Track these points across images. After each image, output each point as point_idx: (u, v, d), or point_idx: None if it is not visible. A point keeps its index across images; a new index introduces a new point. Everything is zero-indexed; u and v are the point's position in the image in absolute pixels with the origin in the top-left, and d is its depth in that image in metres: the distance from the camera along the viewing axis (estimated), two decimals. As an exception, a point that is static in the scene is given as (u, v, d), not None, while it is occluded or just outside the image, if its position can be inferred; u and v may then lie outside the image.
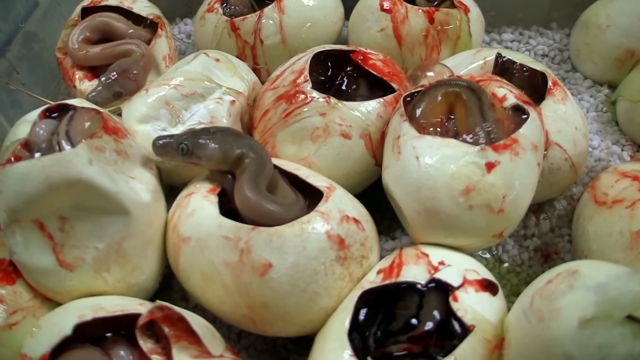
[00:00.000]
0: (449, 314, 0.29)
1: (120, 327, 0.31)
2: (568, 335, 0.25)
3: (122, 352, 0.30)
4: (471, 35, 0.47)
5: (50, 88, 0.50)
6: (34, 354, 0.29)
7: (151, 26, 0.48)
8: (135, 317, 0.29)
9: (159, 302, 0.29)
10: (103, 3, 0.48)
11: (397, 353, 0.29)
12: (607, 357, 0.25)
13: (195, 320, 0.29)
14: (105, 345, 0.30)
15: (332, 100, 0.37)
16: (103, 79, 0.42)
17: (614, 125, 0.49)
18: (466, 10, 0.47)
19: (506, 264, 0.40)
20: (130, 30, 0.47)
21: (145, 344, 0.29)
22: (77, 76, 0.46)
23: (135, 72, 0.43)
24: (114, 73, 0.42)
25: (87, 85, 0.45)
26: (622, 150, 0.46)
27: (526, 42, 0.55)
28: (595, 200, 0.38)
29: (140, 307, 0.30)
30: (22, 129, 0.39)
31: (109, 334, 0.31)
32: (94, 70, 0.46)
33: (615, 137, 0.48)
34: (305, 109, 0.38)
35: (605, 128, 0.48)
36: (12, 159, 0.32)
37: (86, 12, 0.48)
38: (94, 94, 0.41)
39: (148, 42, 0.46)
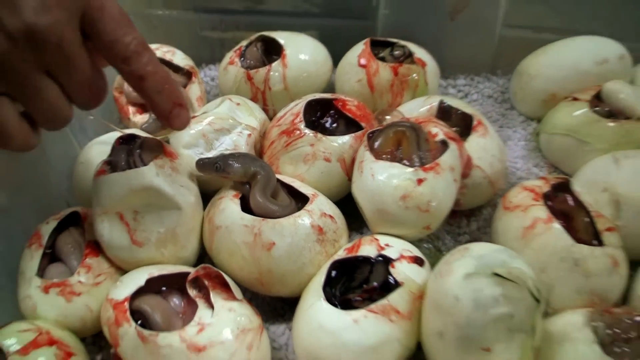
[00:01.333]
0: (388, 276, 0.49)
1: (174, 284, 0.50)
2: (456, 284, 0.44)
3: (175, 300, 0.49)
4: (427, 84, 0.67)
5: (110, 119, 0.70)
6: (119, 297, 0.47)
7: (186, 74, 0.68)
8: (185, 275, 0.48)
9: (203, 264, 0.48)
10: (150, 55, 0.68)
11: (354, 299, 0.48)
12: (478, 297, 0.43)
13: (225, 276, 0.48)
14: (164, 295, 0.49)
15: (319, 135, 0.57)
16: (150, 118, 0.62)
17: (538, 152, 0.68)
18: (423, 64, 0.67)
19: (444, 253, 0.59)
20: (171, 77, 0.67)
21: (192, 292, 0.48)
22: (130, 111, 0.65)
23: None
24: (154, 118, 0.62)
25: (138, 118, 0.65)
26: (540, 171, 0.66)
27: (475, 86, 0.75)
28: (504, 206, 0.57)
29: (186, 271, 0.49)
30: (94, 149, 0.59)
31: (164, 288, 0.50)
32: (143, 107, 0.66)
33: (537, 161, 0.67)
34: (299, 141, 0.57)
35: (529, 154, 0.68)
36: (102, 171, 0.51)
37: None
38: (146, 125, 0.60)
39: (184, 86, 0.66)
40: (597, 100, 0.65)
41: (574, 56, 0.69)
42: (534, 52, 0.72)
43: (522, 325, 0.44)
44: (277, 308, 0.55)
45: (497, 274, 0.43)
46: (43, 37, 0.38)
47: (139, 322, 0.46)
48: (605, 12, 0.72)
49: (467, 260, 0.45)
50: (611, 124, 0.62)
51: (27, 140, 0.42)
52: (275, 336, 0.53)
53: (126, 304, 0.46)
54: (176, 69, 0.67)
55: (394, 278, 0.48)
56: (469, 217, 0.62)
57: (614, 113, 0.64)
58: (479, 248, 0.46)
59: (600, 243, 0.52)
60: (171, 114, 0.46)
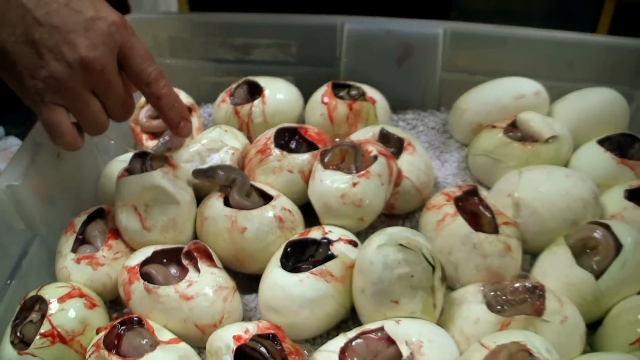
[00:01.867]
0: (329, 252, 0.68)
1: (172, 257, 0.69)
2: (371, 252, 0.63)
3: (173, 269, 0.69)
4: (377, 117, 0.88)
5: (127, 144, 0.91)
6: (131, 264, 0.67)
7: (188, 110, 0.89)
8: (180, 249, 0.68)
9: (194, 240, 0.68)
10: (160, 95, 0.90)
11: (302, 267, 0.67)
12: (385, 260, 0.62)
13: (209, 249, 0.68)
14: (164, 265, 0.69)
15: (284, 153, 0.78)
16: (161, 139, 0.82)
17: (467, 171, 0.88)
18: (373, 102, 0.87)
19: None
20: (176, 112, 0.88)
21: (185, 262, 0.68)
22: (144, 138, 0.87)
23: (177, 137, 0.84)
24: (167, 137, 0.83)
25: (150, 143, 0.86)
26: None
27: (422, 120, 0.96)
28: (426, 207, 0.76)
29: (181, 246, 0.69)
30: (114, 165, 0.80)
31: (165, 260, 0.70)
32: (154, 135, 0.87)
33: (465, 177, 0.87)
34: (270, 158, 0.78)
35: (460, 172, 0.88)
36: (123, 175, 0.72)
37: (150, 100, 0.90)
38: (156, 147, 0.81)
39: (186, 118, 0.87)
40: (513, 127, 0.85)
41: (497, 93, 0.90)
42: (467, 91, 0.92)
43: (421, 283, 0.63)
44: (249, 283, 0.74)
45: (401, 244, 0.63)
46: (92, 65, 0.60)
47: (146, 281, 0.66)
48: (528, 57, 0.93)
49: (380, 236, 0.64)
50: (521, 146, 0.83)
51: (75, 141, 0.64)
52: (247, 302, 0.72)
53: (137, 268, 0.67)
54: (180, 105, 0.89)
55: (332, 253, 0.68)
56: (404, 220, 0.81)
57: (525, 137, 0.84)
58: (391, 229, 0.66)
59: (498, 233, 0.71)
60: (179, 125, 0.70)
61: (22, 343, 0.62)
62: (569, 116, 0.89)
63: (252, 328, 0.60)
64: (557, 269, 0.70)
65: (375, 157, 0.74)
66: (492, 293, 0.66)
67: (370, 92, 0.89)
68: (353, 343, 0.62)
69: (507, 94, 0.89)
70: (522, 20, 0.96)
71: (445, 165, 0.90)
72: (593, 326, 0.67)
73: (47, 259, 0.73)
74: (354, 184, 0.71)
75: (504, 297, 0.65)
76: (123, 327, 0.62)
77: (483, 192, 0.76)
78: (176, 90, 0.87)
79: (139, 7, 1.36)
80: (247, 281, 0.74)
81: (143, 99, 0.89)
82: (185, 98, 0.90)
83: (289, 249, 0.70)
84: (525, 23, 0.96)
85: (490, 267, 0.70)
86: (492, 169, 0.84)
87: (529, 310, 0.63)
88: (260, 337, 0.59)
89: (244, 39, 0.94)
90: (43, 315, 0.63)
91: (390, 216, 0.80)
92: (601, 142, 0.84)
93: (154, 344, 0.61)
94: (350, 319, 0.69)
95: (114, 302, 0.73)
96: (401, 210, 0.81)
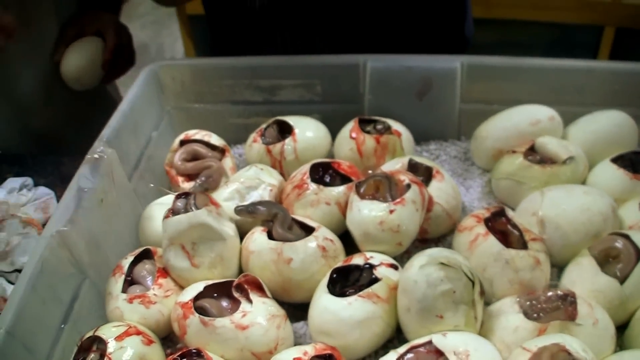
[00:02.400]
0: (372, 276, 0.74)
1: (223, 291, 0.75)
2: (414, 272, 0.69)
3: (224, 302, 0.75)
4: (403, 149, 0.94)
5: (164, 187, 0.97)
6: (185, 299, 0.73)
7: (221, 151, 0.96)
8: (230, 283, 0.74)
9: (244, 273, 0.74)
10: (192, 137, 0.97)
11: (349, 292, 0.73)
12: (429, 279, 0.68)
13: (259, 280, 0.74)
14: (216, 299, 0.75)
15: (320, 187, 0.84)
16: (198, 181, 0.89)
17: (491, 194, 0.95)
18: (399, 135, 0.94)
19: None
20: (210, 154, 0.95)
21: (237, 294, 0.73)
22: (180, 180, 0.93)
23: (213, 178, 0.90)
24: (203, 178, 0.89)
25: (186, 185, 0.92)
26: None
27: (444, 149, 1.03)
28: (458, 230, 0.83)
29: (231, 280, 0.75)
30: (154, 208, 0.87)
31: (215, 295, 0.75)
32: (189, 177, 0.94)
33: (490, 201, 0.93)
34: (307, 192, 0.85)
35: (484, 196, 0.94)
36: (167, 216, 0.78)
37: (182, 142, 0.97)
38: (193, 189, 0.87)
39: (220, 160, 0.94)
40: (531, 151, 0.92)
41: (514, 120, 0.97)
42: (486, 120, 0.99)
43: (462, 298, 0.69)
44: (296, 312, 0.80)
45: (442, 263, 0.69)
46: None
47: (200, 314, 0.72)
48: (540, 85, 1.00)
49: (421, 257, 0.70)
50: (540, 168, 0.89)
51: None
52: (296, 329, 0.77)
53: (191, 303, 0.72)
54: (213, 147, 0.96)
55: (375, 276, 0.74)
56: (437, 243, 0.87)
57: (544, 160, 0.91)
58: (430, 250, 0.72)
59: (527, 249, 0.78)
60: None
61: None
62: (583, 138, 0.96)
63: (310, 350, 0.66)
64: (584, 278, 0.76)
65: (409, 186, 0.80)
66: (528, 303, 0.71)
67: (395, 125, 0.96)
68: (405, 358, 0.67)
69: (524, 121, 0.96)
70: (525, 50, 1.04)
71: (470, 190, 0.96)
72: (621, 329, 0.73)
73: (96, 302, 0.78)
74: (391, 212, 0.78)
75: (538, 306, 0.71)
76: (184, 359, 0.68)
77: (510, 213, 0.83)
78: (208, 133, 0.96)
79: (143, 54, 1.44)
80: (293, 310, 0.79)
81: (176, 143, 0.96)
82: (217, 140, 0.97)
83: (334, 276, 0.75)
84: (528, 53, 1.04)
85: (522, 281, 0.76)
86: (515, 190, 0.91)
87: (562, 316, 0.69)
88: (318, 358, 0.65)
89: (270, 80, 1.02)
90: (102, 355, 0.67)
91: (423, 241, 0.86)
92: (614, 160, 0.91)
93: (216, 372, 0.66)
94: (395, 337, 0.75)
95: (166, 339, 0.78)
96: (433, 235, 0.87)
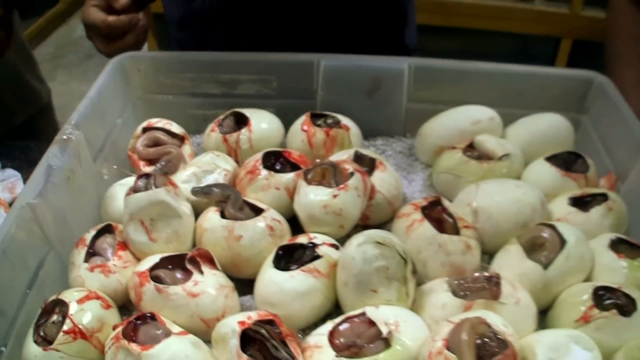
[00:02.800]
0: (314, 254, 0.83)
1: (177, 264, 0.83)
2: (352, 249, 0.77)
3: (177, 274, 0.83)
4: (351, 142, 1.03)
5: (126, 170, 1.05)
6: (142, 269, 0.81)
7: (181, 139, 1.04)
8: (184, 256, 0.82)
9: (197, 247, 0.82)
10: (154, 125, 1.05)
11: (292, 267, 0.82)
12: (365, 255, 0.76)
13: (211, 253, 0.82)
14: (170, 270, 0.83)
15: (271, 173, 0.93)
16: (158, 165, 0.97)
17: (432, 188, 1.04)
18: (347, 129, 1.03)
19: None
20: (170, 141, 1.03)
21: (190, 266, 0.82)
22: (141, 164, 1.01)
23: (172, 163, 0.99)
24: (163, 162, 0.97)
25: (147, 169, 0.99)
26: (431, 200, 1.01)
27: (390, 145, 1.12)
28: (396, 216, 0.92)
29: (185, 253, 0.83)
30: (116, 188, 0.95)
31: (170, 267, 0.83)
32: (150, 161, 1.01)
33: (430, 193, 1.02)
34: (259, 178, 0.93)
35: (426, 189, 1.04)
36: (130, 193, 0.86)
37: (145, 130, 1.04)
38: (154, 172, 0.95)
39: (180, 147, 1.02)
40: (470, 148, 1.02)
41: (456, 119, 1.07)
42: (430, 119, 1.09)
43: (395, 275, 0.77)
44: (244, 288, 0.87)
45: (377, 242, 0.78)
46: None
47: (156, 283, 0.80)
48: (483, 88, 1.10)
49: (359, 236, 0.79)
50: (478, 163, 0.99)
51: None
52: (243, 302, 0.85)
53: (147, 272, 0.80)
54: (174, 135, 1.04)
55: (317, 254, 0.83)
56: (379, 229, 0.96)
57: (482, 156, 1.01)
58: (368, 231, 0.80)
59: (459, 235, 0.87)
60: None
61: (45, 341, 0.74)
62: (521, 138, 1.06)
63: (253, 315, 0.74)
64: (510, 263, 0.85)
65: (352, 174, 0.89)
66: (456, 282, 0.80)
67: (344, 120, 1.05)
68: (340, 327, 0.76)
69: (465, 120, 1.06)
70: (484, 59, 1.13)
71: (412, 183, 1.06)
72: (545, 312, 0.83)
73: (60, 272, 0.85)
74: (335, 196, 0.87)
75: (465, 285, 0.80)
76: (139, 321, 0.75)
77: (445, 202, 0.92)
78: (169, 122, 1.04)
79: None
80: (241, 286, 0.87)
81: (139, 130, 1.04)
82: (177, 129, 1.05)
83: (280, 252, 0.84)
84: (487, 61, 1.14)
85: (453, 264, 0.85)
86: (453, 184, 1.00)
87: (487, 295, 0.77)
88: (261, 322, 0.73)
89: (229, 75, 1.10)
90: (64, 316, 0.75)
91: (365, 227, 0.94)
92: (548, 159, 1.01)
93: (168, 333, 0.74)
94: (334, 312, 0.83)
95: (122, 308, 0.85)
96: (375, 221, 0.96)
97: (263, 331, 0.72)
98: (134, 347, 0.70)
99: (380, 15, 1.27)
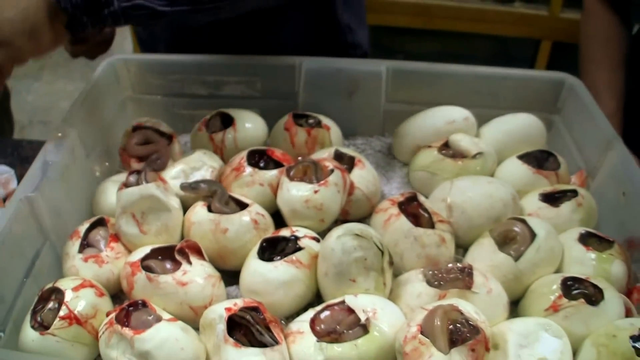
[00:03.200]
0: (297, 246, 0.89)
1: (167, 255, 0.89)
2: (332, 241, 0.84)
3: (168, 264, 0.88)
4: (331, 142, 1.10)
5: (116, 167, 1.11)
6: (133, 259, 0.87)
7: (169, 137, 1.10)
8: (174, 247, 0.88)
9: (186, 238, 0.88)
10: (144, 124, 1.10)
11: (276, 258, 0.88)
12: (344, 247, 0.82)
13: (199, 244, 0.88)
14: (160, 261, 0.88)
15: (255, 170, 0.99)
16: (147, 164, 1.02)
17: (409, 185, 1.11)
18: (328, 129, 1.10)
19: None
20: (159, 139, 1.09)
21: (179, 257, 0.87)
22: (131, 161, 1.07)
23: (161, 160, 1.04)
24: (153, 159, 1.03)
25: (137, 166, 1.05)
26: (408, 196, 1.08)
27: (369, 144, 1.19)
28: (375, 211, 0.98)
29: (174, 245, 0.89)
30: (108, 184, 1.00)
31: (160, 257, 0.89)
32: (140, 159, 1.07)
33: (407, 190, 1.09)
34: (243, 174, 0.99)
35: (403, 186, 1.10)
36: (122, 187, 0.92)
37: (135, 128, 1.10)
38: (143, 169, 1.01)
39: (169, 145, 1.08)
40: (445, 147, 1.09)
41: (432, 120, 1.14)
42: (407, 119, 1.15)
43: (373, 265, 0.83)
44: (230, 279, 0.93)
45: (356, 234, 0.84)
46: None
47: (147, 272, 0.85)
48: (458, 89, 1.17)
49: (339, 229, 0.85)
50: (452, 161, 1.06)
51: None
52: (230, 292, 0.91)
53: (138, 263, 0.86)
54: (162, 134, 1.10)
55: (299, 246, 0.89)
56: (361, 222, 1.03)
57: (456, 154, 1.07)
58: (347, 224, 0.87)
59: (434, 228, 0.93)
60: None
61: (41, 327, 0.80)
62: (494, 137, 1.13)
63: (239, 302, 0.80)
64: (483, 255, 0.92)
65: (332, 170, 0.96)
66: (431, 273, 0.87)
67: (325, 120, 1.12)
68: (320, 314, 0.82)
69: (441, 120, 1.13)
70: (464, 61, 1.20)
71: (391, 181, 1.12)
72: (517, 302, 0.89)
73: (54, 263, 0.91)
74: (315, 192, 0.93)
75: (440, 276, 0.86)
76: (131, 308, 0.81)
77: (421, 198, 0.98)
78: (158, 121, 1.09)
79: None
80: (227, 277, 0.93)
81: (129, 129, 1.10)
82: (166, 128, 1.11)
83: (264, 244, 0.90)
84: (467, 64, 1.20)
85: (428, 255, 0.91)
86: (429, 181, 1.07)
87: (460, 285, 0.84)
88: (246, 309, 0.79)
89: (215, 76, 1.17)
90: (60, 303, 0.81)
91: (345, 221, 0.99)
92: (521, 157, 1.08)
93: (158, 318, 0.80)
94: (315, 302, 0.89)
95: (115, 297, 0.91)
96: (354, 216, 1.02)
97: (248, 317, 0.78)
98: (126, 331, 0.76)
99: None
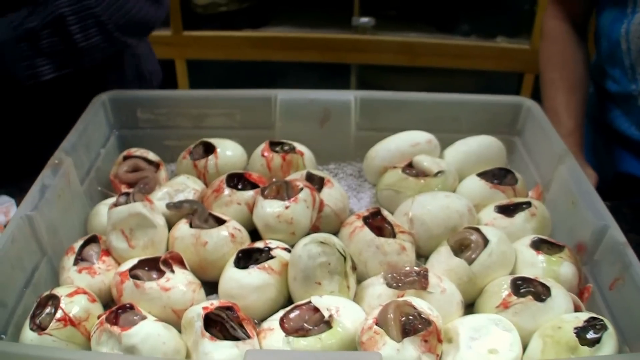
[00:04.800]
0: (269, 256, 1.02)
1: (152, 266, 1.02)
2: (299, 248, 0.96)
3: (154, 274, 1.01)
4: (305, 166, 1.23)
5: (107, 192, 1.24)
6: (122, 269, 0.99)
7: (156, 165, 1.23)
8: (159, 258, 1.01)
9: (169, 250, 1.01)
10: (133, 154, 1.24)
11: (251, 266, 1.01)
12: (309, 253, 0.95)
13: (181, 255, 1.01)
14: (147, 271, 1.01)
15: (233, 190, 1.13)
16: (136, 188, 1.16)
17: (377, 203, 1.24)
18: (302, 154, 1.23)
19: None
20: (147, 167, 1.22)
21: (163, 267, 1.00)
22: (122, 187, 1.20)
23: (149, 185, 1.18)
24: (141, 185, 1.17)
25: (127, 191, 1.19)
26: (376, 213, 1.21)
27: (342, 169, 1.33)
28: (342, 225, 1.11)
29: (159, 256, 1.02)
30: (100, 207, 1.14)
31: (146, 268, 1.02)
32: (130, 185, 1.20)
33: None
34: (222, 195, 1.13)
35: (371, 204, 1.23)
36: (112, 206, 1.05)
37: (125, 157, 1.24)
38: (133, 192, 1.15)
39: (155, 172, 1.21)
40: (409, 167, 1.22)
41: (397, 143, 1.27)
42: (375, 144, 1.29)
43: (336, 269, 0.95)
44: (209, 290, 1.05)
45: (320, 241, 0.96)
46: None
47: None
48: (421, 115, 1.31)
49: (306, 238, 0.97)
50: (415, 179, 1.19)
51: None
52: (209, 300, 1.04)
53: (127, 272, 0.99)
54: (150, 162, 1.24)
55: (272, 255, 1.01)
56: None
57: (419, 174, 1.20)
58: (313, 234, 0.99)
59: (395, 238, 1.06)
60: None
61: (39, 329, 0.91)
62: (456, 158, 1.26)
63: (216, 303, 0.92)
64: (440, 261, 1.03)
65: (302, 188, 1.09)
66: (390, 275, 0.98)
67: (299, 147, 1.25)
68: (289, 314, 0.93)
69: (406, 143, 1.27)
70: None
71: (361, 201, 1.26)
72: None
73: (51, 277, 1.03)
74: (286, 207, 1.06)
75: (398, 278, 0.97)
76: (120, 310, 0.93)
77: (385, 212, 1.11)
78: (146, 151, 1.24)
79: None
80: (207, 288, 1.05)
81: (120, 158, 1.24)
82: (153, 157, 1.25)
83: (240, 255, 1.03)
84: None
85: (390, 262, 1.02)
86: (394, 199, 1.20)
87: (417, 286, 0.95)
88: (222, 308, 0.92)
89: (198, 109, 1.31)
90: (56, 308, 0.92)
91: (317, 237, 1.14)
92: (479, 175, 1.21)
93: (144, 318, 0.92)
94: (287, 307, 1.01)
95: (105, 306, 1.01)
96: (324, 231, 1.11)
97: (223, 315, 0.91)
98: (115, 329, 0.88)
99: None
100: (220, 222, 1.08)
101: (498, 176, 1.22)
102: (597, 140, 1.65)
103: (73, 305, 0.93)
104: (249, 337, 0.89)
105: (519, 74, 2.69)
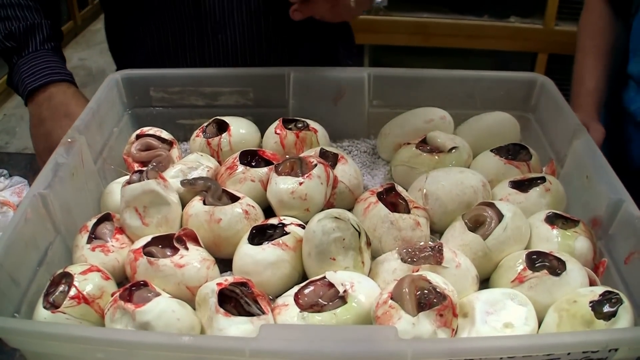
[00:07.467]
0: (284, 232, 1.00)
1: (166, 243, 1.00)
2: (314, 224, 0.94)
3: (167, 251, 0.99)
4: (319, 143, 1.21)
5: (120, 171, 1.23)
6: (136, 247, 0.97)
7: (170, 143, 1.22)
8: (172, 236, 0.99)
9: (183, 227, 0.99)
10: (146, 132, 1.22)
11: (265, 243, 0.99)
12: (324, 228, 0.93)
13: (195, 232, 0.99)
14: (161, 248, 1.00)
15: (247, 167, 1.10)
16: (150, 166, 1.14)
17: (392, 180, 1.21)
18: (315, 131, 1.21)
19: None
20: (160, 145, 1.21)
21: (177, 244, 0.98)
22: (135, 166, 1.18)
23: (162, 163, 1.16)
24: (154, 163, 1.15)
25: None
26: (390, 190, 1.18)
27: (356, 146, 1.30)
28: (356, 201, 1.09)
29: (173, 233, 1.00)
30: (113, 185, 1.12)
31: (160, 246, 1.00)
32: (143, 163, 1.19)
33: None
34: (236, 172, 1.11)
35: (386, 180, 1.21)
36: (126, 184, 1.04)
37: (138, 136, 1.22)
38: (146, 170, 1.13)
39: (169, 150, 1.20)
40: (423, 143, 1.19)
41: (411, 120, 1.25)
42: (389, 121, 1.27)
43: (351, 245, 0.94)
44: (223, 267, 1.04)
45: (334, 217, 0.95)
46: None
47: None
48: (435, 91, 1.29)
49: (320, 214, 0.96)
50: (429, 155, 1.17)
51: None
52: (224, 276, 1.02)
53: (141, 250, 0.97)
54: (163, 140, 1.22)
55: (286, 232, 0.99)
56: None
57: (433, 150, 1.18)
58: (328, 210, 0.98)
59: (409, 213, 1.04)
60: None
61: (53, 307, 0.90)
62: (470, 134, 1.24)
63: (230, 279, 0.91)
64: (454, 236, 1.02)
65: (315, 165, 1.07)
66: (405, 251, 0.97)
67: (313, 124, 1.23)
68: (304, 289, 0.92)
69: (419, 120, 1.24)
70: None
71: (375, 178, 1.23)
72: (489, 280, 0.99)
73: (65, 255, 1.02)
74: (300, 184, 1.04)
75: (413, 253, 0.96)
76: (133, 288, 0.91)
77: (399, 188, 1.09)
78: (159, 130, 1.22)
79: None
80: (222, 265, 1.03)
81: (133, 137, 1.22)
82: (166, 135, 1.23)
83: (254, 231, 1.01)
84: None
85: (404, 238, 1.01)
86: (408, 175, 1.18)
87: (432, 261, 0.93)
88: (236, 284, 0.90)
89: (211, 88, 1.29)
90: (69, 286, 0.91)
91: (331, 213, 1.12)
92: (494, 150, 1.18)
93: (158, 295, 0.90)
94: (301, 283, 1.00)
95: (119, 284, 1.00)
96: (338, 208, 1.12)
97: (237, 290, 0.89)
98: (129, 306, 0.86)
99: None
100: (234, 199, 1.06)
101: (512, 152, 1.19)
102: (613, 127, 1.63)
103: (87, 283, 0.92)
104: (263, 312, 0.88)
105: (532, 53, 2.65)
